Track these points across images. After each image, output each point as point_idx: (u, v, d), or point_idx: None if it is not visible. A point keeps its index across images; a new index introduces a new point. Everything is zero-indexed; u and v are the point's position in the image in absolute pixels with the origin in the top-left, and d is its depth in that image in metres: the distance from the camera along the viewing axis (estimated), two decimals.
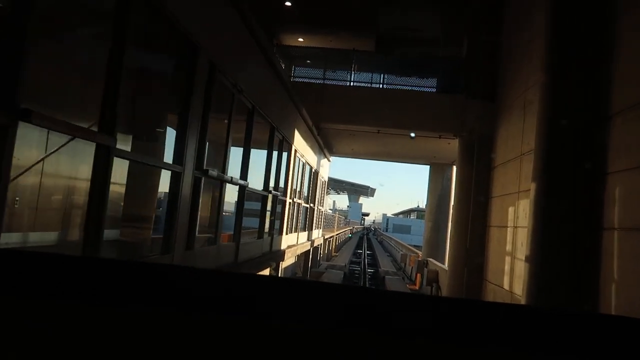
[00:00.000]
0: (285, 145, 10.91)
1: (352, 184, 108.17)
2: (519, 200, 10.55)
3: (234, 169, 7.62)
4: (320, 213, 20.26)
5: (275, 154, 10.13)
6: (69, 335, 0.83)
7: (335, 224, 32.62)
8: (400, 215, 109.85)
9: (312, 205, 16.68)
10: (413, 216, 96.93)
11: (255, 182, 9.50)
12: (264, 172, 9.41)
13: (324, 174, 19.48)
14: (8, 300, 0.85)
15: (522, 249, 8.64)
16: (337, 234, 30.86)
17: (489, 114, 13.10)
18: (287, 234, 11.92)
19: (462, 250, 13.26)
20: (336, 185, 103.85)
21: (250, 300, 0.86)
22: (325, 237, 22.62)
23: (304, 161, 14.10)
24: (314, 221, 17.71)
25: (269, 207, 9.96)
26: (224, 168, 6.69)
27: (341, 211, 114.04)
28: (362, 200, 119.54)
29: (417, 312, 0.85)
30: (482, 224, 12.87)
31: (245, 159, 7.97)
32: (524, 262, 7.70)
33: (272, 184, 9.95)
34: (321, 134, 15.59)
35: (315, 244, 17.98)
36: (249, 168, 8.06)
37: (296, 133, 12.00)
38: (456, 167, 14.40)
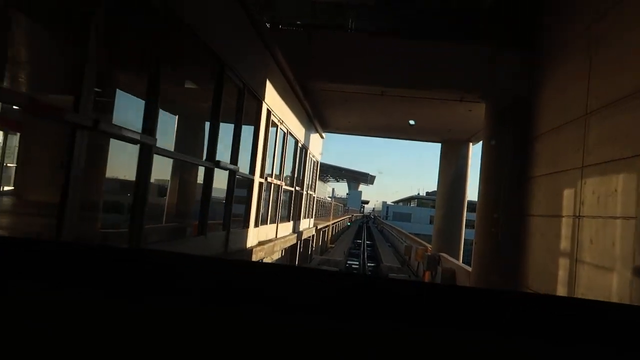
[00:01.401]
0: (251, 101, 7.56)
1: (352, 171, 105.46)
2: (585, 179, 7.13)
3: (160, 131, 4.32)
4: (312, 199, 16.96)
5: (236, 111, 6.81)
6: (73, 321, 0.83)
7: (332, 212, 29.29)
8: (400, 203, 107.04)
9: (298, 188, 13.38)
10: (413, 204, 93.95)
11: (201, 151, 6.20)
12: (217, 138, 6.11)
13: (316, 152, 16.14)
14: (22, 285, 0.86)
15: (594, 249, 6.47)
16: (333, 223, 27.54)
17: (527, 66, 9.79)
18: (258, 225, 8.63)
19: (491, 246, 10.02)
20: (335, 172, 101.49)
21: (248, 289, 0.85)
22: (319, 227, 19.33)
23: (286, 130, 10.72)
24: (303, 209, 14.42)
25: (222, 188, 6.68)
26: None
27: (340, 199, 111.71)
28: (362, 187, 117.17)
29: (414, 299, 0.84)
30: (520, 212, 9.54)
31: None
32: (617, 272, 5.59)
33: (228, 154, 6.64)
34: (310, 99, 12.20)
35: (305, 236, 14.74)
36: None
37: (271, 90, 8.63)
38: (483, 138, 11.03)
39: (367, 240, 38.76)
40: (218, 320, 0.81)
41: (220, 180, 6.60)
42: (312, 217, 16.97)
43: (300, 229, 14.02)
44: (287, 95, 10.21)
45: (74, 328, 0.82)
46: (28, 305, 0.83)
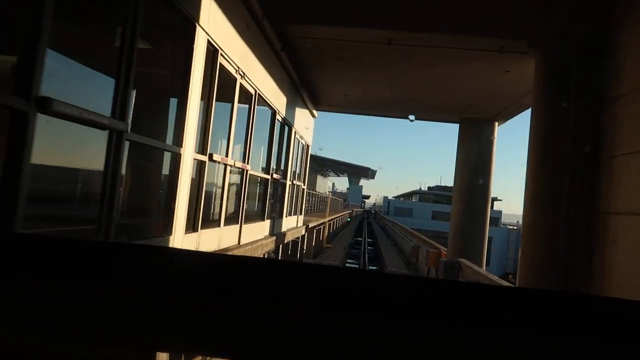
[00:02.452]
0: (170, 13, 4.32)
1: (352, 165, 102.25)
2: None
3: None
4: (301, 192, 13.71)
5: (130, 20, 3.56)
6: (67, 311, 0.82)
7: (328, 208, 25.87)
8: (401, 198, 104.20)
9: (279, 177, 10.14)
10: (415, 199, 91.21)
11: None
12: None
13: (305, 133, 12.89)
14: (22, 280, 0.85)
15: None
16: (329, 220, 24.26)
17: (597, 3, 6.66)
18: (196, 229, 5.39)
19: (549, 255, 6.82)
20: (335, 166, 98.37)
21: (246, 284, 0.84)
22: (312, 225, 16.08)
23: (253, 90, 7.46)
24: (287, 204, 11.19)
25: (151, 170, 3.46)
26: None
27: (341, 194, 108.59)
28: (363, 182, 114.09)
29: (412, 294, 0.83)
30: (593, 207, 6.32)
31: None
32: None
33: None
34: (293, 57, 8.95)
35: (289, 238, 11.51)
36: None
37: (219, 17, 5.38)
38: (533, 105, 7.76)
39: (368, 238, 35.40)
40: (216, 316, 0.82)
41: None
42: (300, 214, 13.74)
43: (283, 230, 10.79)
44: (254, 39, 6.93)
45: (68, 323, 0.81)
46: (22, 300, 0.84)
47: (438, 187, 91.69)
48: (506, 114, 12.80)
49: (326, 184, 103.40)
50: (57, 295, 0.83)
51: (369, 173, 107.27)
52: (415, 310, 0.79)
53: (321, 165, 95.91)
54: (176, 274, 0.85)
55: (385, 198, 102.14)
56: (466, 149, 13.19)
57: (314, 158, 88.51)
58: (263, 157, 9.47)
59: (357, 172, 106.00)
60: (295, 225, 12.90)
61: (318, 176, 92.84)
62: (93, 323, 0.80)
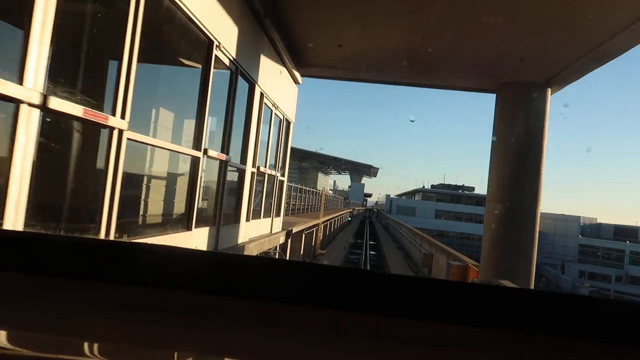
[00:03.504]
0: None
1: (354, 163, 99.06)
2: None
3: None
4: (281, 186, 9.87)
5: None
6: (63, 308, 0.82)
7: (322, 207, 21.79)
8: (404, 197, 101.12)
9: (246, 167, 6.39)
10: (418, 197, 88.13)
11: None
12: None
13: (284, 105, 8.99)
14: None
15: None
16: (325, 222, 20.18)
17: None
18: None
19: None
20: (337, 164, 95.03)
21: (241, 282, 0.85)
22: (297, 230, 12.20)
23: (210, 36, 3.66)
24: (248, 201, 7.35)
25: None
26: None
27: (342, 191, 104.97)
28: (365, 180, 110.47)
29: (410, 293, 0.83)
30: None
31: None
32: None
33: None
34: None
35: (254, 251, 7.68)
36: None
37: None
38: None
39: (370, 241, 31.35)
40: (213, 312, 0.81)
41: None
42: (278, 216, 9.87)
43: (240, 241, 6.96)
44: None
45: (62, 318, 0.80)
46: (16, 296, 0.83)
47: (442, 185, 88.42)
48: (565, 78, 8.95)
49: (327, 182, 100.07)
50: (55, 291, 0.83)
51: (371, 171, 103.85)
52: (413, 309, 0.80)
53: (322, 163, 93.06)
54: (175, 271, 0.85)
55: (388, 196, 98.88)
56: (507, 127, 9.29)
57: (315, 156, 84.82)
58: (215, 134, 5.75)
59: (359, 170, 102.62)
60: (268, 231, 9.07)
61: (319, 174, 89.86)
62: (91, 319, 0.79)
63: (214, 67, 5.15)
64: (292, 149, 10.59)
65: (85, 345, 0.76)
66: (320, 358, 0.74)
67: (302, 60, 9.40)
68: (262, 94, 7.39)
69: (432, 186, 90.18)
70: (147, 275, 0.85)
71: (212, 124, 5.83)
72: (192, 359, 0.75)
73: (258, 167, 7.60)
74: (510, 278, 8.65)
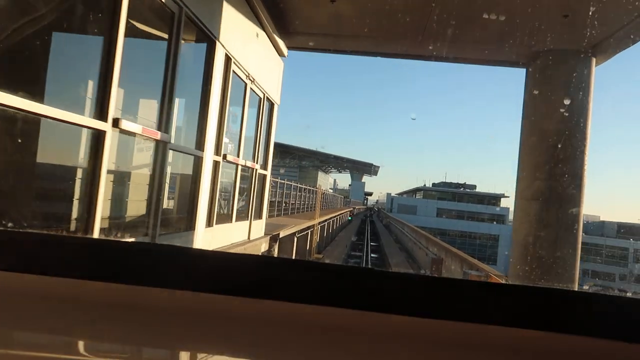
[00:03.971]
0: None
1: (354, 161, 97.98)
2: None
3: None
4: (263, 181, 8.01)
5: None
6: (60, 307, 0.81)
7: (318, 207, 19.69)
8: (405, 195, 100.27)
9: (198, 152, 4.57)
10: (419, 195, 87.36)
11: None
12: None
13: (266, 82, 7.06)
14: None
15: None
16: (322, 223, 18.23)
17: None
18: None
19: None
20: (337, 162, 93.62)
21: (243, 280, 0.84)
22: (286, 234, 10.29)
23: None
24: (208, 202, 5.52)
25: None
26: None
27: (342, 190, 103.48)
28: (365, 179, 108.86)
29: (410, 290, 0.83)
30: None
31: None
32: None
33: None
34: None
35: None
36: None
37: None
38: None
39: (371, 242, 29.35)
40: (213, 310, 0.80)
41: None
42: (260, 218, 8.00)
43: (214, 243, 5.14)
44: None
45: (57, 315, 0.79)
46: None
47: (443, 184, 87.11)
48: (614, 45, 7.08)
49: (328, 181, 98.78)
50: (55, 291, 0.82)
51: (371, 169, 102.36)
52: (414, 306, 0.79)
53: (323, 162, 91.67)
54: (175, 270, 0.84)
55: (389, 195, 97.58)
56: (542, 104, 7.39)
57: (315, 154, 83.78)
58: (143, 101, 3.90)
59: (360, 169, 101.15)
60: (246, 237, 7.21)
61: (319, 172, 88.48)
62: (90, 319, 0.78)
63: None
64: (292, 147, 8.72)
65: (85, 345, 0.75)
66: (321, 356, 0.74)
67: (286, 26, 7.50)
68: (228, 58, 5.49)
69: (434, 184, 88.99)
70: (147, 275, 0.83)
71: (134, 85, 3.96)
72: (193, 359, 0.75)
73: (225, 156, 5.71)
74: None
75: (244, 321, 0.78)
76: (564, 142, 7.12)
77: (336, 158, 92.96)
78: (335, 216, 26.08)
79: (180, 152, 4.57)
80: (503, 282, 8.36)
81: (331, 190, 67.15)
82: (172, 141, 4.17)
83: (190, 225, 4.95)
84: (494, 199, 76.90)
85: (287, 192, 17.28)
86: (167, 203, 4.42)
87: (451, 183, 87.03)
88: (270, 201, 15.04)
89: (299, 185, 19.99)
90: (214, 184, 5.51)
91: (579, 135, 7.13)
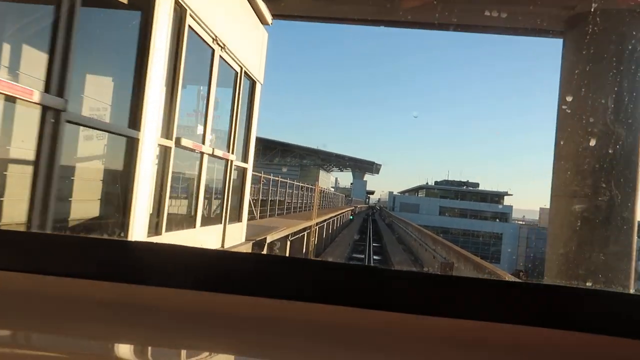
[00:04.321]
0: None
1: (356, 160, 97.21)
2: None
3: None
4: (241, 175, 6.57)
5: None
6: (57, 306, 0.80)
7: (315, 207, 18.17)
8: (407, 194, 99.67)
9: (132, 132, 3.14)
10: (421, 194, 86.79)
11: None
12: None
13: (235, 46, 5.56)
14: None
15: None
16: (319, 224, 16.72)
17: None
18: None
19: None
20: (339, 161, 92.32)
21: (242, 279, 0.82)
22: (275, 238, 8.81)
23: None
24: (159, 202, 4.11)
25: None
26: None
27: (344, 189, 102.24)
28: (367, 177, 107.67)
29: (412, 289, 0.82)
30: None
31: None
32: None
33: None
34: None
35: None
36: None
37: None
38: None
39: (374, 243, 27.82)
40: (214, 310, 0.79)
41: None
42: (239, 220, 6.53)
43: None
44: None
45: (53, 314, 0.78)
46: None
47: (446, 182, 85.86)
48: None
49: (329, 179, 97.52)
50: (55, 291, 0.81)
51: (373, 168, 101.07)
52: (414, 304, 0.78)
53: (324, 160, 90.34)
54: (176, 269, 0.83)
55: (391, 193, 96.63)
56: (586, 76, 5.90)
57: (316, 153, 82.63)
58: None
59: (361, 167, 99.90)
60: (219, 245, 5.76)
61: (321, 171, 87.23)
62: (90, 319, 0.77)
63: None
64: (292, 146, 7.26)
65: (85, 345, 0.74)
66: (322, 354, 0.73)
67: None
68: (180, 6, 4.03)
69: (436, 183, 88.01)
70: (147, 275, 0.82)
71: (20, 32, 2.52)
72: (193, 358, 0.74)
73: (178, 140, 4.25)
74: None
75: (246, 320, 0.77)
76: (615, 123, 5.64)
77: (338, 156, 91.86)
78: (335, 215, 24.48)
79: (92, 127, 3.11)
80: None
81: (332, 189, 65.73)
82: (70, 109, 2.69)
83: (119, 234, 3.49)
84: (497, 196, 76.10)
85: (282, 190, 15.79)
86: (73, 204, 2.99)
87: (454, 181, 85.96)
88: (262, 200, 13.58)
89: (295, 183, 18.52)
90: (163, 178, 4.06)
91: (635, 113, 5.65)
